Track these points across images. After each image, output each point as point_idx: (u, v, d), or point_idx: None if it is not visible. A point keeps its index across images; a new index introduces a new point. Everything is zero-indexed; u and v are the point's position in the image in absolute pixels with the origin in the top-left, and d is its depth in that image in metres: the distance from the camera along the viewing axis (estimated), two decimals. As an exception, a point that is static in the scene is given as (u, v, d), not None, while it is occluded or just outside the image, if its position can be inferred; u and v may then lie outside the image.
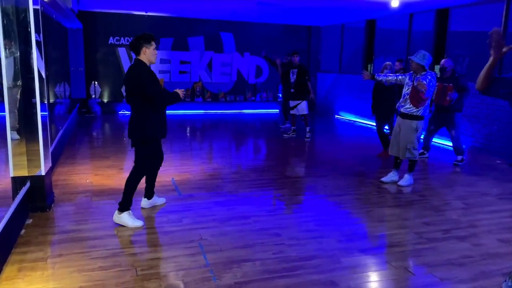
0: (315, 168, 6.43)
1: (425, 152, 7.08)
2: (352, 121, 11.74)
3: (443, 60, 6.72)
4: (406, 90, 5.40)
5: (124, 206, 4.04)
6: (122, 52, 12.27)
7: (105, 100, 12.29)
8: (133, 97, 3.99)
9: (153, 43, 3.97)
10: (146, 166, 4.23)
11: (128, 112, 12.16)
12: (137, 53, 3.96)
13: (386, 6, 8.82)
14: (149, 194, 4.56)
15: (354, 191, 5.30)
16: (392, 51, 10.64)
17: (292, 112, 8.84)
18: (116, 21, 12.02)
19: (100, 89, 12.30)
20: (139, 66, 3.94)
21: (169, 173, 5.97)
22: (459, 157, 6.82)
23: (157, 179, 5.30)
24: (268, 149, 8.38)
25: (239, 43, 13.12)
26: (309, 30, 13.86)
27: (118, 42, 12.22)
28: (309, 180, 5.88)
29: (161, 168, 6.10)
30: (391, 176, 5.72)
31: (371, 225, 4.26)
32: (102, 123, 10.78)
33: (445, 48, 8.60)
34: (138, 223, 4.02)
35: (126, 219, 4.01)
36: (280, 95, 13.58)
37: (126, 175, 5.63)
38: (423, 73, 5.22)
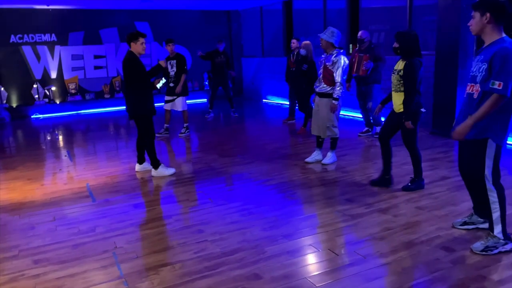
0: (241, 156, 6.28)
1: (369, 129, 7.11)
2: (280, 104, 11.75)
3: (360, 32, 6.80)
4: (320, 69, 5.40)
5: (156, 163, 5.31)
6: (27, 50, 11.23)
7: (14, 105, 11.23)
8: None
9: (140, 38, 5.06)
10: (153, 132, 5.28)
11: (41, 116, 11.23)
12: (129, 46, 5.10)
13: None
14: (141, 159, 5.53)
15: (279, 175, 5.22)
16: (310, 31, 10.72)
17: (167, 108, 7.86)
18: (16, 18, 10.93)
19: (6, 93, 11.20)
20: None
21: (84, 177, 5.52)
22: (365, 129, 7.09)
23: (70, 186, 4.91)
24: (195, 140, 8.09)
25: (157, 32, 12.56)
26: (229, 15, 13.59)
27: (21, 40, 11.15)
28: (235, 168, 5.72)
29: (75, 173, 5.64)
30: (315, 155, 5.73)
31: (295, 208, 4.19)
32: (11, 130, 9.82)
33: (358, 24, 8.77)
34: (172, 170, 5.43)
35: (161, 171, 5.33)
36: (207, 82, 13.32)
37: (34, 186, 5.18)
38: (333, 51, 5.22)
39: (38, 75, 11.43)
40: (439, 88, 6.70)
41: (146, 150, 5.33)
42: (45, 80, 11.52)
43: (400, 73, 4.25)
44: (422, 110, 4.32)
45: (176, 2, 11.15)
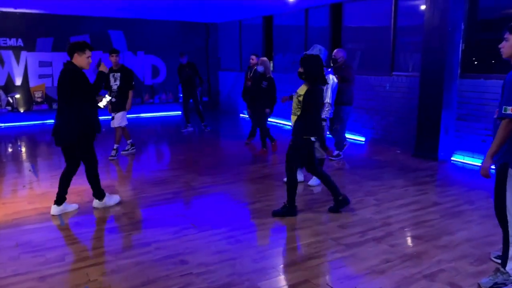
0: (223, 174, 5.96)
1: (339, 152, 6.81)
2: (257, 119, 11.51)
3: (335, 50, 6.64)
4: None
5: (99, 194, 4.57)
6: (-10, 55, 10.54)
7: (-27, 112, 10.47)
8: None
9: (86, 51, 4.25)
10: (95, 156, 4.49)
11: (3, 125, 10.52)
12: (71, 57, 4.24)
13: (281, 1, 8.67)
14: (58, 200, 4.46)
15: (264, 197, 4.94)
16: (290, 48, 10.61)
17: (113, 125, 6.94)
18: (-21, 20, 10.27)
19: (-35, 99, 10.44)
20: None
21: (51, 195, 5.03)
22: (335, 152, 6.75)
23: (33, 206, 4.46)
24: (172, 157, 7.71)
25: (131, 41, 12.14)
26: (207, 27, 13.35)
27: (-16, 44, 10.46)
28: (218, 188, 5.39)
29: (41, 190, 5.21)
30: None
31: (286, 235, 3.91)
32: (-31, 139, 9.09)
33: (341, 42, 8.71)
34: (116, 198, 4.74)
35: (107, 201, 4.62)
36: (181, 95, 12.95)
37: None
38: None
39: (1, 81, 10.74)
40: (423, 110, 6.65)
41: (88, 178, 4.49)
42: (9, 87, 10.83)
43: (299, 98, 4.19)
44: (312, 139, 4.24)
45: (153, 12, 10.80)
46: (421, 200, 4.78)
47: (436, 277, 3.08)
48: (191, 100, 9.50)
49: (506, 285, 2.85)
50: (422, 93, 6.67)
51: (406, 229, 3.98)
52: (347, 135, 8.30)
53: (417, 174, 5.91)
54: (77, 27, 11.35)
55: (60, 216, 4.35)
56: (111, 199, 4.67)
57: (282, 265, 3.29)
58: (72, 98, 4.16)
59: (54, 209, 4.37)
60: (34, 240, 3.76)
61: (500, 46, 2.86)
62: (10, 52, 10.74)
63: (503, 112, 2.66)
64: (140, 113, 12.16)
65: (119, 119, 6.83)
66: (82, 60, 4.23)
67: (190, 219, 4.27)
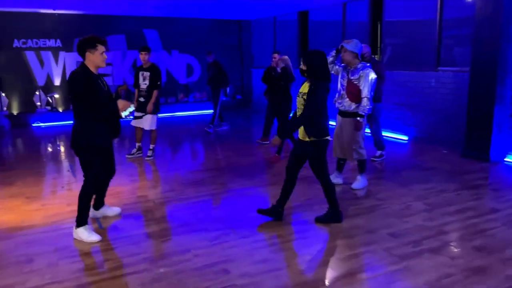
0: (260, 175, 5.76)
1: (382, 152, 6.41)
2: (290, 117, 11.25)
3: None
4: (341, 84, 4.91)
5: (79, 221, 3.78)
6: (30, 56, 10.77)
7: (15, 112, 10.74)
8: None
9: (99, 46, 3.69)
10: (96, 177, 3.84)
11: (43, 124, 10.73)
12: (82, 57, 3.73)
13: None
14: (97, 204, 4.22)
15: (305, 200, 4.70)
16: (327, 43, 10.27)
17: (135, 124, 6.74)
18: (20, 21, 10.50)
19: (7, 100, 10.72)
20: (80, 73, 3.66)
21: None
22: (378, 153, 6.36)
23: (72, 207, 4.39)
24: (207, 156, 7.58)
25: (166, 40, 12.13)
26: (239, 24, 13.18)
27: (25, 45, 10.70)
28: (256, 191, 5.20)
29: (78, 192, 5.15)
30: (333, 179, 5.21)
31: (334, 243, 3.66)
32: (11, 139, 9.30)
33: (381, 37, 8.32)
34: (94, 238, 3.73)
35: (81, 233, 3.75)
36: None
37: (33, 206, 4.67)
38: (358, 64, 4.74)
39: (41, 81, 10.97)
40: (474, 106, 6.21)
41: (79, 195, 3.78)
42: (48, 87, 11.06)
43: (304, 97, 3.85)
44: (328, 138, 3.91)
45: (186, 10, 10.73)
46: (477, 206, 4.41)
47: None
48: (223, 98, 9.31)
49: None
50: (472, 88, 6.23)
51: (465, 239, 3.64)
52: (389, 134, 7.95)
53: (469, 176, 5.50)
54: (113, 27, 11.44)
55: (98, 219, 4.27)
56: (89, 235, 3.73)
57: (331, 278, 3.05)
58: (74, 106, 3.69)
59: (91, 213, 4.20)
60: (73, 245, 3.68)
61: None
62: (49, 53, 10.94)
63: None
64: (175, 112, 12.16)
65: (149, 122, 6.57)
66: (96, 58, 3.66)
67: (229, 224, 4.09)
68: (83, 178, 3.83)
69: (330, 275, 3.10)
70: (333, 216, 4.05)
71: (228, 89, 9.72)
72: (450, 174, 5.61)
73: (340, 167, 5.28)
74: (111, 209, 4.35)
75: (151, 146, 6.85)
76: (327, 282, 2.98)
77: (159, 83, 6.61)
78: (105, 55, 3.76)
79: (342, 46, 4.83)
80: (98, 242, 3.70)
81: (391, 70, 7.67)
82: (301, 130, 3.94)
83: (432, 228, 3.85)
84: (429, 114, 7.36)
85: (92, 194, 3.87)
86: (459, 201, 4.56)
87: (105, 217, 4.31)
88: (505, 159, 6.15)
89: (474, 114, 6.22)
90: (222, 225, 4.05)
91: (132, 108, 4.01)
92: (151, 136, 6.81)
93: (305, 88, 3.92)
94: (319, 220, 4.05)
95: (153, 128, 6.68)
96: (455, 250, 3.44)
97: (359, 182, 5.10)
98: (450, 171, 5.75)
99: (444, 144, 7.05)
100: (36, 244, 3.71)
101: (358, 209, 4.41)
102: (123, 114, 3.97)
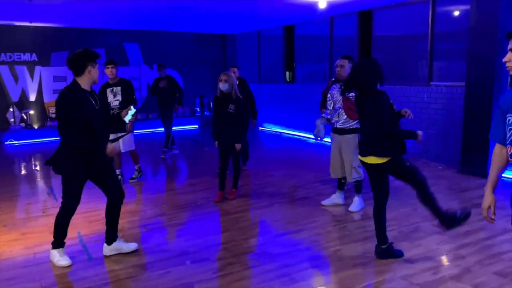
0: (256, 197, 5.48)
1: None
2: (278, 133, 11.07)
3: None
4: (337, 103, 4.72)
5: (55, 243, 3.60)
6: (4, 70, 10.24)
7: (-14, 129, 10.15)
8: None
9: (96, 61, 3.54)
10: (69, 203, 3.56)
11: (16, 142, 10.16)
12: (78, 72, 3.43)
13: (307, 9, 8.25)
14: (108, 238, 3.75)
15: (309, 224, 4.44)
16: (313, 58, 10.19)
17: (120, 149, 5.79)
18: (-7, 34, 9.99)
19: (-22, 117, 10.13)
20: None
21: (73, 223, 4.57)
22: None
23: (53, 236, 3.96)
24: (195, 174, 7.24)
25: (147, 54, 11.80)
26: (223, 38, 12.99)
27: (-3, 59, 10.17)
28: (254, 214, 4.91)
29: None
30: (334, 198, 5.04)
31: (348, 273, 3.40)
32: (-18, 158, 8.72)
33: (371, 52, 8.26)
34: (64, 262, 3.52)
35: (54, 256, 3.57)
36: (198, 109, 12.58)
37: (12, 236, 4.29)
38: None
39: (15, 97, 10.42)
40: (470, 122, 6.15)
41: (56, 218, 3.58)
42: (23, 103, 10.51)
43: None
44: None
45: (168, 24, 10.46)
46: (487, 226, 4.22)
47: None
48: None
49: None
50: (468, 103, 6.17)
51: (483, 264, 3.46)
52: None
53: (470, 194, 5.39)
54: (92, 40, 11.01)
55: (85, 248, 3.89)
56: (58, 258, 3.54)
57: (354, 314, 2.79)
58: (59, 125, 3.43)
59: (106, 250, 3.74)
60: (61, 281, 3.31)
61: (504, 60, 2.13)
62: (24, 67, 10.44)
63: None
64: (156, 128, 11.75)
65: (128, 142, 5.99)
66: (96, 72, 3.49)
67: (232, 253, 3.78)
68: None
69: (351, 310, 2.85)
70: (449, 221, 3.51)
71: (181, 109, 8.58)
72: (451, 192, 5.49)
73: (341, 186, 5.06)
74: (126, 245, 3.79)
75: (137, 167, 6.39)
76: (350, 319, 2.72)
77: (134, 97, 6.04)
78: (97, 70, 3.57)
79: (339, 64, 4.69)
80: (67, 266, 3.51)
81: (383, 85, 7.57)
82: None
83: (448, 253, 3.67)
84: (423, 130, 7.21)
85: (65, 221, 3.60)
86: (467, 221, 4.39)
87: (91, 246, 3.93)
88: (503, 175, 6.07)
89: (471, 129, 6.15)
90: (225, 254, 3.75)
91: (133, 110, 3.76)
92: (133, 156, 6.26)
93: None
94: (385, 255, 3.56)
95: (133, 147, 6.16)
96: (477, 277, 3.24)
97: (357, 204, 4.88)
98: (450, 188, 5.63)
99: (438, 160, 6.97)
100: (17, 281, 3.32)
101: (365, 232, 4.18)
102: (126, 118, 3.74)
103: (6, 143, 10.11)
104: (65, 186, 3.55)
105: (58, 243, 3.61)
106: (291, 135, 10.53)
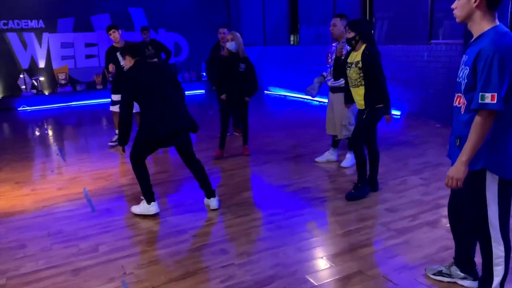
0: (254, 154, 5.69)
1: None
2: (283, 96, 11.15)
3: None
4: (330, 61, 4.84)
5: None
6: (12, 38, 10.44)
7: (0, 96, 10.48)
8: None
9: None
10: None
11: (29, 108, 10.49)
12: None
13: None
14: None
15: (301, 179, 4.65)
16: (317, 20, 10.11)
17: (115, 109, 6.19)
18: (0, 2, 10.12)
19: (-10, 84, 10.45)
20: None
21: (80, 180, 4.90)
22: None
23: (63, 192, 4.25)
24: (198, 136, 7.46)
25: (152, 19, 11.83)
26: (228, 2, 12.89)
27: (6, 27, 10.36)
28: (249, 170, 5.15)
29: (70, 176, 5.09)
30: (327, 155, 5.22)
31: (331, 220, 3.64)
32: (-4, 123, 9.09)
33: (372, 11, 8.18)
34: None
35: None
36: (204, 74, 12.66)
37: (23, 191, 4.57)
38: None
39: (25, 64, 10.67)
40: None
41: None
42: (33, 70, 10.77)
43: (359, 65, 3.78)
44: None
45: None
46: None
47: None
48: None
49: None
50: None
51: (461, 212, 3.64)
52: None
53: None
54: (97, 6, 11.11)
55: (90, 201, 4.19)
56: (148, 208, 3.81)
57: (330, 255, 3.02)
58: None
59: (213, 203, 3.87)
60: (66, 229, 3.61)
61: (452, 6, 2.17)
62: (32, 34, 10.62)
63: (480, 101, 1.99)
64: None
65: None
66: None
67: (225, 203, 4.04)
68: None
69: (329, 251, 3.08)
70: (363, 190, 4.00)
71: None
72: (445, 148, 5.60)
73: (335, 144, 5.23)
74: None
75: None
76: (326, 259, 2.96)
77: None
78: None
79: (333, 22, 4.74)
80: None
81: (383, 44, 7.57)
82: (358, 99, 3.93)
83: (429, 202, 3.85)
84: (422, 89, 7.31)
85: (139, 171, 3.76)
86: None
87: (95, 199, 4.23)
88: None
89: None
90: (218, 204, 4.00)
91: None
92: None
93: (356, 56, 3.83)
94: (351, 197, 3.95)
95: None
96: (453, 223, 3.43)
97: (349, 160, 5.05)
98: (444, 145, 5.73)
99: (437, 119, 7.04)
100: (28, 229, 3.63)
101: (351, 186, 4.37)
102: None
103: (19, 109, 10.45)
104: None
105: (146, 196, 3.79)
106: (295, 98, 10.62)
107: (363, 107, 3.90)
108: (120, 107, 3.66)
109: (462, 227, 2.47)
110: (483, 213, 2.20)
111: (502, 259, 2.21)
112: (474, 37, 2.13)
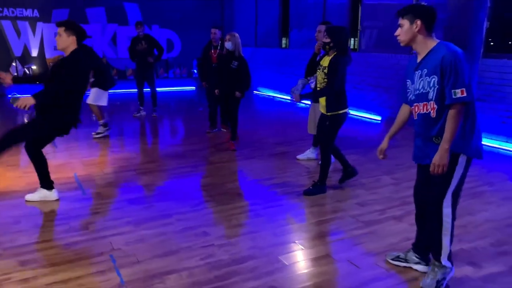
0: (239, 150, 5.97)
1: None
2: (272, 97, 11.45)
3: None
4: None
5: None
6: (6, 25, 10.55)
7: (-10, 83, 10.56)
8: None
9: None
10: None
11: (20, 96, 10.55)
12: None
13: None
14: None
15: (283, 173, 4.95)
16: (307, 24, 10.44)
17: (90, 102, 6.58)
18: (-5, -11, 10.24)
19: (-18, 70, 10.52)
20: None
21: (71, 166, 5.12)
22: None
23: (56, 175, 4.45)
24: (187, 131, 7.74)
25: (146, 14, 12.02)
26: (222, 1, 13.15)
27: (0, 14, 10.46)
28: (235, 164, 5.42)
29: (61, 161, 5.28)
30: (308, 153, 5.52)
31: (307, 211, 3.94)
32: (-13, 109, 9.21)
33: (359, 20, 8.54)
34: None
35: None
36: (195, 71, 12.89)
37: (16, 173, 4.77)
38: None
39: (17, 52, 10.78)
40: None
41: None
42: (25, 58, 10.88)
43: (324, 70, 4.12)
44: (347, 111, 4.26)
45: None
46: (440, 181, 4.75)
47: (457, 256, 3.07)
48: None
49: (445, 278, 2.66)
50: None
51: (425, 209, 3.97)
52: (363, 114, 8.28)
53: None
54: (93, -1, 11.28)
55: (81, 185, 4.42)
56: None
57: (302, 240, 3.32)
58: None
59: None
60: (58, 209, 3.84)
61: (395, 34, 2.63)
62: (26, 23, 10.73)
63: (453, 96, 2.38)
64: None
65: (93, 96, 6.49)
66: None
67: (210, 193, 4.31)
68: None
69: (301, 237, 3.37)
70: (321, 188, 4.31)
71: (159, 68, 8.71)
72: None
73: (316, 143, 5.53)
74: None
75: (101, 122, 6.68)
76: (297, 243, 3.25)
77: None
78: None
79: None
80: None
81: (369, 52, 7.93)
82: (322, 102, 4.23)
83: (397, 199, 4.17)
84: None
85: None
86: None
87: (87, 184, 4.46)
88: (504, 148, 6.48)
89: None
90: (203, 194, 4.27)
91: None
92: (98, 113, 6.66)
93: (325, 61, 4.14)
94: (308, 193, 4.24)
95: (98, 103, 6.59)
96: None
97: (307, 153, 5.42)
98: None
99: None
100: (22, 207, 3.85)
101: (329, 181, 4.66)
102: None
103: (9, 96, 10.54)
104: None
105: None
106: (283, 99, 10.93)
107: (325, 111, 4.21)
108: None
109: (427, 208, 2.77)
110: (444, 189, 2.56)
111: (450, 229, 2.60)
112: (421, 55, 2.56)
